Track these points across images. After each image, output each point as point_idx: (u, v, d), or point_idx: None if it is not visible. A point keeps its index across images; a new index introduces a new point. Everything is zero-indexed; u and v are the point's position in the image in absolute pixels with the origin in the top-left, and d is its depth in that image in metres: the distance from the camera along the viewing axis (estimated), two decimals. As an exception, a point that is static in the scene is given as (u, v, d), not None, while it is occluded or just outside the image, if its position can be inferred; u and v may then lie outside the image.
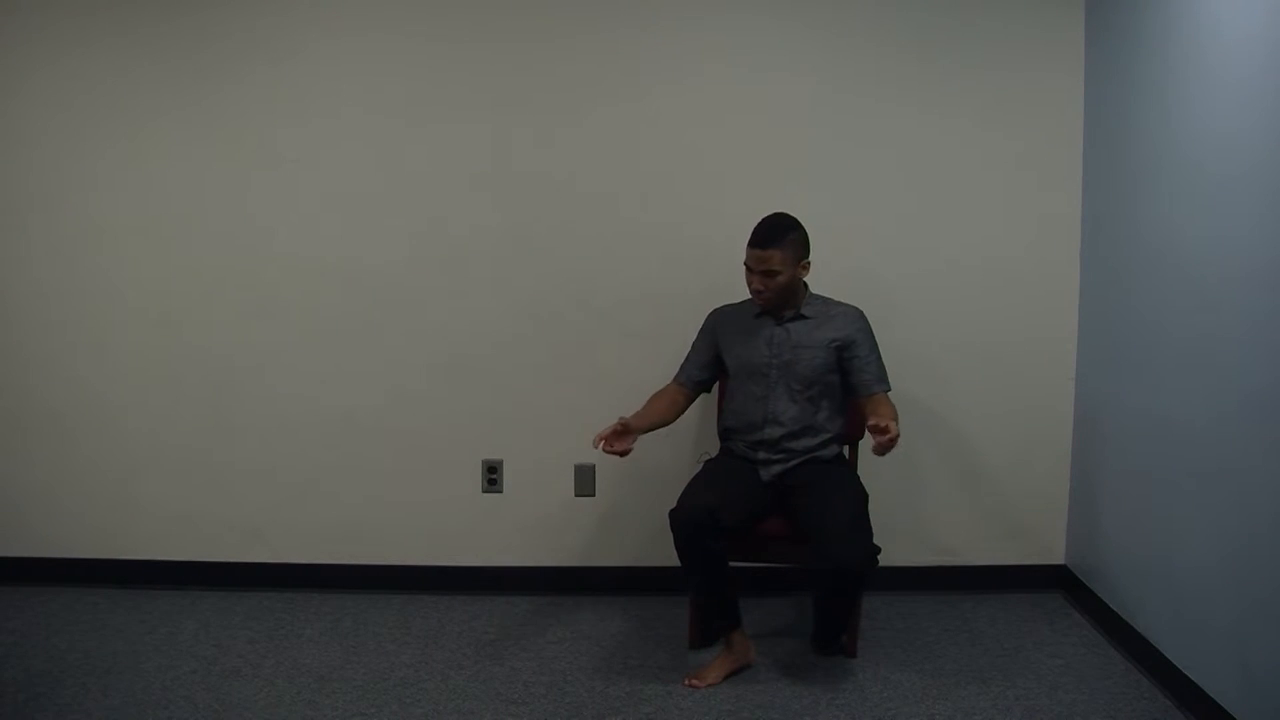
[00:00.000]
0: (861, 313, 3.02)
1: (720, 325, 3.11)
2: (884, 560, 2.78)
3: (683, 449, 3.42)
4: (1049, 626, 3.27)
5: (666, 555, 3.35)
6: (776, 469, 2.99)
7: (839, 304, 3.03)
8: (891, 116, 3.38)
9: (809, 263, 2.97)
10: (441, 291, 3.47)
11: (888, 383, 3.00)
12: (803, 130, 3.40)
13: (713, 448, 3.25)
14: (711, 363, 3.12)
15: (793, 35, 3.37)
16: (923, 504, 3.52)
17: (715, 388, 3.23)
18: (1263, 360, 2.40)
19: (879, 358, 3.01)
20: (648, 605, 3.41)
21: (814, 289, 3.06)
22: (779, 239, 2.88)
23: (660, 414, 3.06)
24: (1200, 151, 2.69)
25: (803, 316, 2.99)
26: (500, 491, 3.55)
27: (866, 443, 3.19)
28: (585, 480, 3.54)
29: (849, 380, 3.00)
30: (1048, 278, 3.43)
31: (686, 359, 3.15)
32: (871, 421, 2.70)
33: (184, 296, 3.48)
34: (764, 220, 2.94)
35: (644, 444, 3.47)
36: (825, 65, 3.38)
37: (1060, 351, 3.45)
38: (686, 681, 2.86)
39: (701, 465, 3.12)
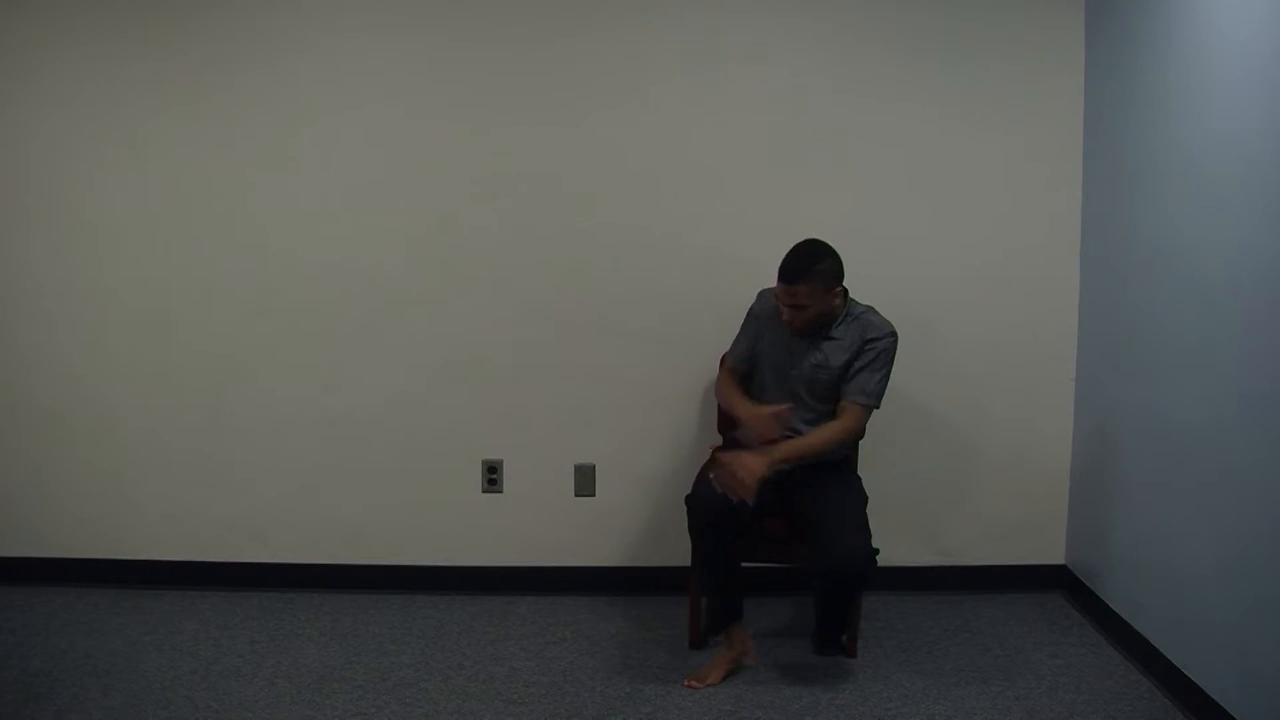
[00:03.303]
0: (887, 334, 2.89)
1: (762, 317, 3.04)
2: (884, 560, 2.78)
3: (682, 449, 3.42)
4: (1049, 626, 3.27)
5: (666, 555, 3.36)
6: (784, 466, 2.98)
7: (874, 323, 2.91)
8: (891, 116, 3.38)
9: (842, 289, 2.91)
10: (442, 292, 3.47)
11: (870, 399, 2.89)
12: (802, 130, 3.39)
13: (715, 442, 3.25)
14: (752, 348, 3.06)
15: (793, 35, 3.37)
16: (923, 504, 3.52)
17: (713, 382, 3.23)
18: (1263, 361, 2.40)
19: (877, 375, 2.89)
20: (648, 605, 3.41)
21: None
22: (805, 273, 2.80)
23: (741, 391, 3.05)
24: (1200, 152, 2.69)
25: (831, 338, 2.92)
26: (500, 491, 3.55)
27: (868, 442, 3.20)
28: (585, 480, 3.54)
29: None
30: (1048, 278, 3.43)
31: (734, 344, 3.10)
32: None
33: (184, 296, 3.48)
34: (793, 251, 2.84)
35: (643, 444, 3.50)
36: (825, 64, 3.38)
37: (1060, 351, 3.45)
38: (686, 683, 2.86)
39: (711, 454, 3.11)
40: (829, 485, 2.92)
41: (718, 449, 3.12)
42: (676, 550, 3.16)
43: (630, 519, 3.53)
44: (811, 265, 2.82)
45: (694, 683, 2.85)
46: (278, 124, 3.40)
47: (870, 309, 2.96)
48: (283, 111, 3.40)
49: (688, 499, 2.86)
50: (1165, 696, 2.79)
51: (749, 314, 3.10)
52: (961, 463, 3.51)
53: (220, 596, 3.49)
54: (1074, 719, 2.71)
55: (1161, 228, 2.89)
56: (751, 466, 2.68)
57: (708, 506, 2.79)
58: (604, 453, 3.52)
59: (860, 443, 3.19)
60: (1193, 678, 2.68)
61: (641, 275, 3.44)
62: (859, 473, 3.14)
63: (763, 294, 3.09)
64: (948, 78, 3.36)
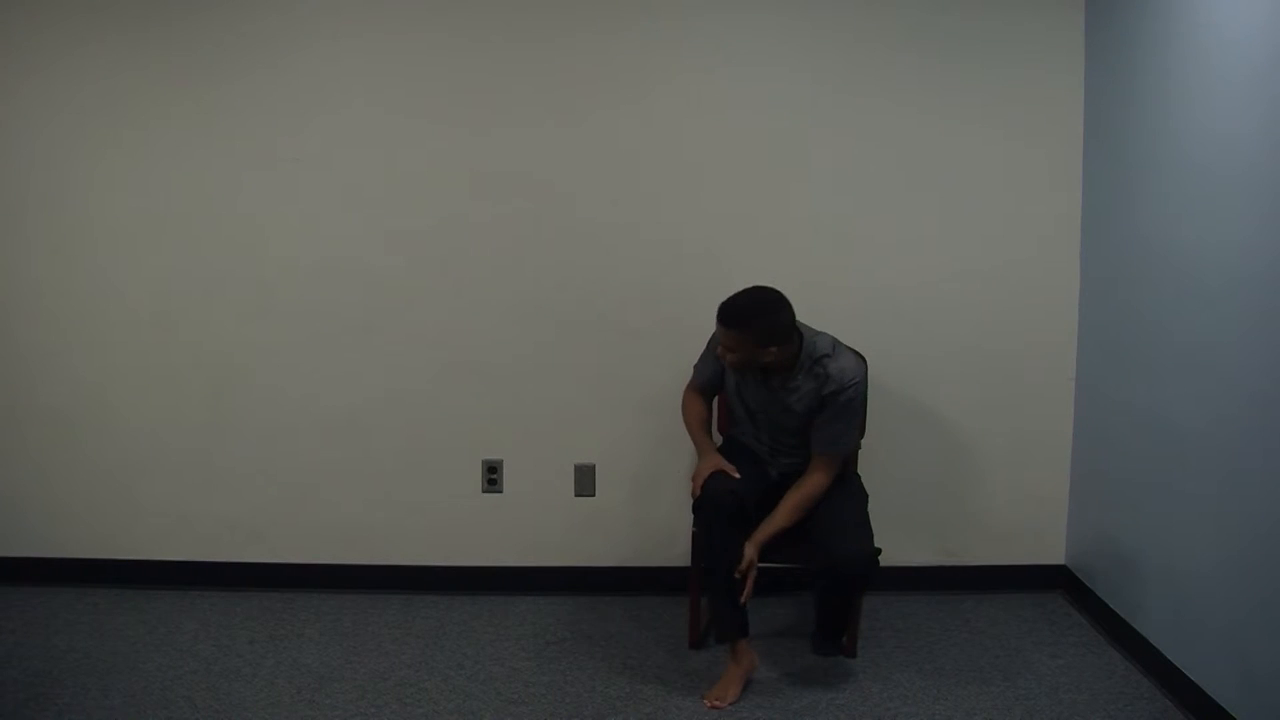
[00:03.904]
0: (849, 385, 2.80)
1: None
2: (884, 560, 2.78)
3: (682, 449, 3.41)
4: (1049, 626, 3.27)
5: (666, 555, 3.36)
6: (784, 463, 3.00)
7: (833, 375, 2.80)
8: (891, 116, 3.38)
9: (775, 350, 2.77)
10: (442, 291, 3.47)
11: (841, 448, 2.87)
12: (802, 130, 3.39)
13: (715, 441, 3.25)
14: (719, 374, 3.05)
15: (792, 35, 3.37)
16: (923, 504, 3.52)
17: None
18: (1263, 361, 2.40)
19: (841, 425, 2.83)
20: (648, 605, 3.41)
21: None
22: (737, 323, 2.74)
23: (706, 424, 3.07)
24: (1200, 152, 2.69)
25: (791, 388, 2.86)
26: (500, 491, 3.55)
27: (868, 444, 3.20)
28: (585, 480, 3.54)
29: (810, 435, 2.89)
30: (1048, 278, 3.43)
31: (700, 364, 3.08)
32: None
33: (184, 296, 3.48)
34: (738, 295, 2.79)
35: (643, 444, 3.50)
36: (825, 65, 3.38)
37: (1060, 352, 3.45)
38: (710, 703, 2.77)
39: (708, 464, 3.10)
40: (830, 485, 2.91)
41: (719, 449, 3.12)
42: (676, 550, 3.17)
43: (630, 519, 3.53)
44: (748, 319, 2.74)
45: (717, 702, 2.77)
46: (278, 124, 3.40)
47: (834, 351, 2.84)
48: (283, 111, 3.40)
49: (695, 505, 2.83)
50: (1165, 696, 2.79)
51: (713, 339, 3.00)
52: (961, 463, 3.51)
53: (220, 596, 3.49)
54: (1074, 719, 2.71)
55: (1161, 228, 2.89)
56: (749, 552, 2.77)
57: (719, 510, 2.77)
58: (604, 453, 3.53)
59: (860, 442, 3.19)
60: (1193, 678, 2.68)
61: (641, 275, 3.44)
62: (858, 472, 3.14)
63: None
64: (948, 78, 3.36)
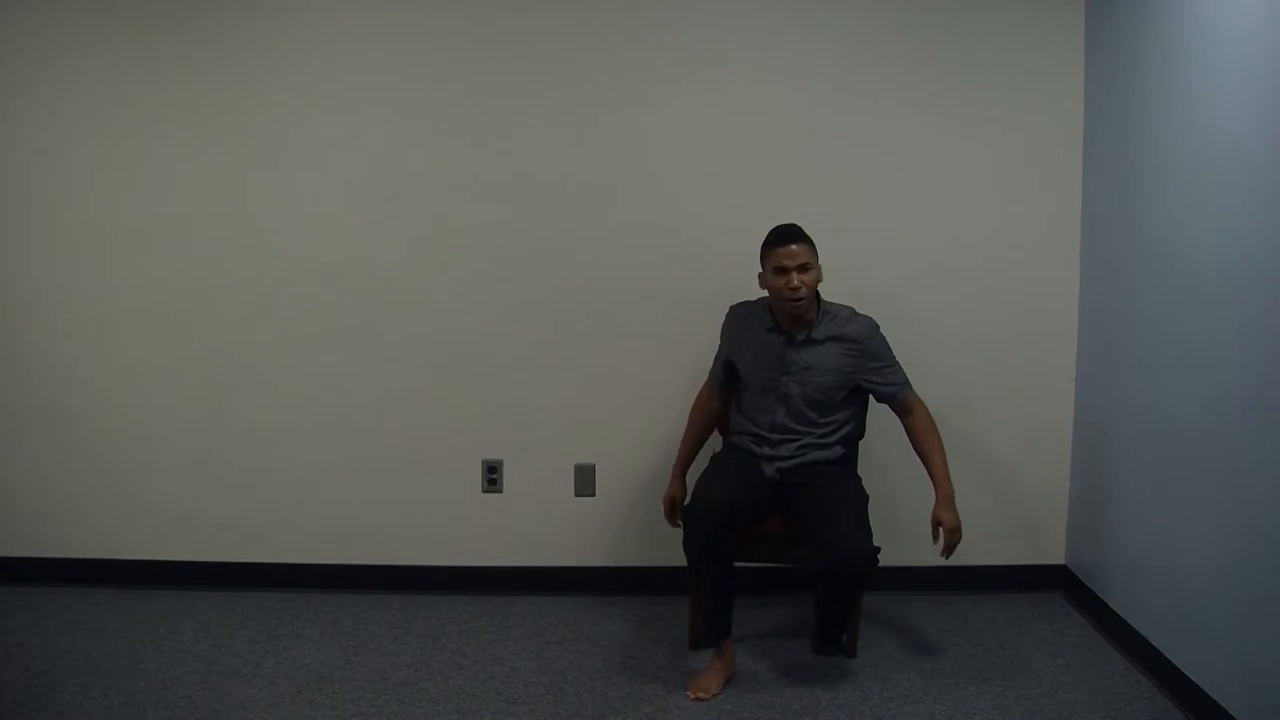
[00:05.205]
0: (874, 327, 2.99)
1: (735, 327, 3.10)
2: (884, 560, 2.78)
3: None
4: (1049, 626, 3.27)
5: (666, 555, 3.36)
6: (779, 465, 3.00)
7: (850, 319, 3.00)
8: (892, 116, 3.38)
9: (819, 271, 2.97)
10: (442, 291, 3.47)
11: (906, 381, 3.03)
12: (802, 130, 3.40)
13: (715, 444, 3.25)
14: (728, 365, 3.12)
15: (793, 35, 3.37)
16: (923, 504, 3.50)
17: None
18: (1263, 361, 2.40)
19: (895, 363, 3.01)
20: (648, 605, 3.41)
21: (823, 296, 3.03)
22: (802, 236, 2.92)
23: (702, 436, 3.18)
24: (1200, 151, 2.69)
25: (814, 341, 2.96)
26: (500, 491, 3.55)
27: (868, 442, 3.20)
28: (585, 480, 3.54)
29: (875, 393, 3.03)
30: (1048, 278, 3.43)
31: (715, 356, 3.17)
32: (934, 522, 2.91)
33: (184, 296, 3.48)
34: (778, 226, 2.95)
35: (644, 444, 3.50)
36: (825, 65, 3.38)
37: (1060, 351, 3.45)
38: (693, 695, 2.80)
39: (710, 461, 3.11)
40: (829, 485, 2.92)
41: (716, 455, 3.13)
42: (676, 550, 3.15)
43: (630, 519, 3.53)
44: (803, 232, 2.93)
45: (701, 694, 2.81)
46: (278, 124, 3.40)
47: (845, 307, 3.03)
48: (283, 112, 3.40)
49: (685, 512, 2.85)
50: (1165, 696, 2.79)
51: (721, 332, 3.14)
52: (961, 463, 3.49)
53: (220, 596, 3.49)
54: (1074, 719, 2.71)
55: (1161, 227, 2.89)
56: (948, 519, 2.92)
57: (707, 520, 2.78)
58: (604, 453, 3.53)
59: (860, 442, 3.19)
60: (1193, 678, 2.68)
61: (641, 275, 3.44)
62: (859, 473, 3.14)
63: (733, 310, 3.13)
64: (948, 78, 3.36)
